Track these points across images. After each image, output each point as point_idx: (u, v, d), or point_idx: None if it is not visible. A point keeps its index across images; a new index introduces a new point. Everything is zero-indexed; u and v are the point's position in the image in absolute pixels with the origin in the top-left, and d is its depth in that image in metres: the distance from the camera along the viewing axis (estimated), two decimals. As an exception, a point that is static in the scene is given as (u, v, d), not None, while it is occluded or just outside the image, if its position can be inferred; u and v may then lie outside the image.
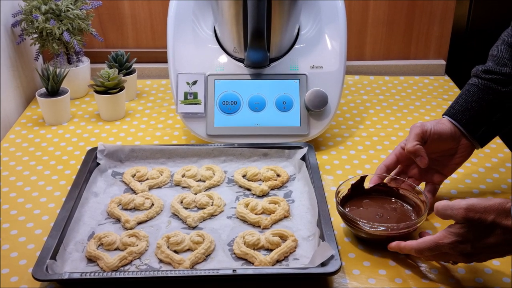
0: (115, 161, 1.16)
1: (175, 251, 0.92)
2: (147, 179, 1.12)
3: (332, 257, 0.85)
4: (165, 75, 1.60)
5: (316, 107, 1.21)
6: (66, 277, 0.84)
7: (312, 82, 1.24)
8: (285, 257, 0.91)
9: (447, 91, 1.52)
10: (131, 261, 0.91)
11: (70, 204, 1.00)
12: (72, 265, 0.90)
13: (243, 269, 0.87)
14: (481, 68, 1.00)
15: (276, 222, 1.00)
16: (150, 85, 1.57)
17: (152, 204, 1.04)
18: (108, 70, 1.34)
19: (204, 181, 1.11)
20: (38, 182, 1.14)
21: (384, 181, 1.02)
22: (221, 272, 0.85)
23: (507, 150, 1.24)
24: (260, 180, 1.12)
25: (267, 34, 1.18)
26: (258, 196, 1.07)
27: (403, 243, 0.89)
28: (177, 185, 1.11)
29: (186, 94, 1.23)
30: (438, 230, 0.99)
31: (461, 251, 0.82)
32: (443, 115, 1.02)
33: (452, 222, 0.83)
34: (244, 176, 1.12)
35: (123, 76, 1.40)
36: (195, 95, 1.23)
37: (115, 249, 0.94)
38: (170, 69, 1.26)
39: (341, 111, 1.41)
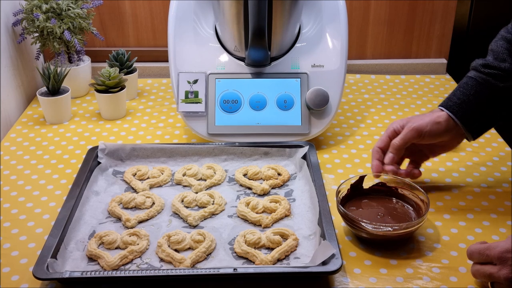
0: (116, 160, 1.16)
1: (176, 250, 0.92)
2: (148, 178, 1.12)
3: (333, 256, 0.85)
4: (166, 74, 1.60)
5: (317, 106, 1.21)
6: (67, 276, 0.84)
7: (313, 81, 1.24)
8: (286, 256, 0.91)
9: (448, 90, 1.52)
10: (132, 260, 0.91)
11: (71, 203, 1.00)
12: (73, 264, 0.90)
13: (244, 268, 0.87)
14: (481, 62, 1.01)
15: (277, 221, 1.00)
16: (151, 84, 1.57)
17: (153, 203, 1.04)
18: (109, 69, 1.34)
19: (205, 180, 1.11)
20: (39, 181, 1.14)
21: (383, 179, 1.03)
22: (222, 271, 0.85)
23: (508, 149, 1.24)
24: (261, 179, 1.12)
25: (268, 33, 1.18)
26: (259, 195, 1.07)
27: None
28: (178, 184, 1.11)
29: (187, 93, 1.23)
30: (439, 229, 0.99)
31: (509, 264, 0.79)
32: (439, 105, 1.03)
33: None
34: (245, 175, 1.12)
35: (124, 75, 1.40)
36: (196, 94, 1.23)
37: (116, 248, 0.94)
38: (171, 68, 1.26)
39: (342, 110, 1.41)
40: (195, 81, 1.24)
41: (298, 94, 1.23)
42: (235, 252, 0.92)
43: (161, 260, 0.91)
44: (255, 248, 0.92)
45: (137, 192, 1.07)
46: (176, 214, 1.02)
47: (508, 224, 1.00)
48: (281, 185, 1.10)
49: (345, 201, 1.00)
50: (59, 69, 1.35)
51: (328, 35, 1.28)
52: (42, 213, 1.04)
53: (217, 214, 1.02)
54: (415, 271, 0.90)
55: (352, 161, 1.20)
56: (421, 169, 1.09)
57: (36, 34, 1.42)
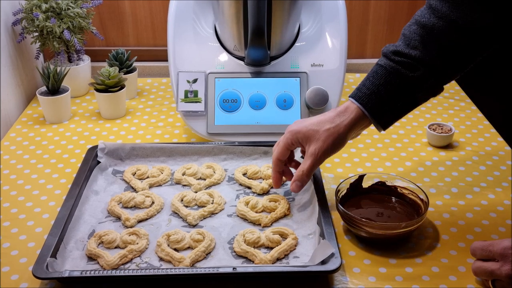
0: (116, 160, 1.16)
1: (176, 249, 0.92)
2: (148, 177, 1.12)
3: (332, 255, 0.85)
4: (166, 73, 1.60)
5: (317, 105, 1.21)
6: (66, 275, 0.84)
7: (312, 80, 1.24)
8: (285, 255, 0.91)
9: (447, 89, 1.52)
10: (131, 259, 0.91)
11: (71, 203, 1.00)
12: (73, 263, 0.90)
13: (243, 267, 0.87)
14: (391, 48, 0.94)
15: (276, 220, 1.00)
16: (150, 83, 1.57)
17: (153, 202, 1.04)
18: (109, 68, 1.34)
19: (205, 179, 1.11)
20: (38, 180, 1.14)
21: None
22: (221, 270, 0.85)
23: (508, 148, 1.24)
24: (261, 178, 1.12)
25: (268, 32, 1.18)
26: (259, 194, 1.07)
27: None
28: (178, 183, 1.11)
29: (186, 92, 1.23)
30: (439, 228, 0.99)
31: (510, 260, 0.79)
32: (349, 96, 0.96)
33: None
34: (244, 174, 1.12)
35: (124, 74, 1.40)
36: (195, 93, 1.23)
37: (116, 247, 0.94)
38: (170, 67, 1.26)
39: (342, 109, 1.41)
40: (195, 81, 1.24)
41: (298, 93, 1.23)
42: (235, 251, 0.92)
43: (161, 259, 0.91)
44: (254, 247, 0.92)
45: (136, 192, 1.07)
46: (176, 213, 1.02)
47: (508, 223, 1.00)
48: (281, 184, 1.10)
49: (344, 200, 1.00)
50: (58, 69, 1.35)
51: (328, 34, 1.28)
52: (42, 212, 1.05)
53: (216, 213, 1.02)
54: (414, 270, 0.90)
55: (351, 160, 1.20)
56: (420, 168, 1.09)
57: (36, 34, 1.42)
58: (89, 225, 0.99)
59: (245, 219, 1.01)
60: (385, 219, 0.97)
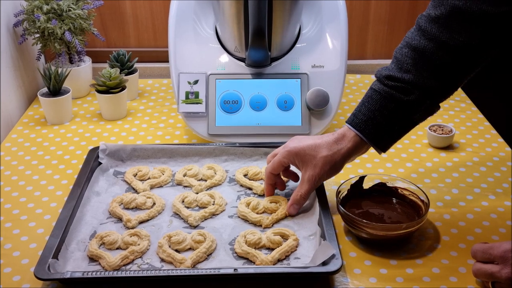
0: (117, 161, 1.16)
1: (177, 250, 0.93)
2: (149, 178, 1.12)
3: (333, 256, 0.85)
4: (167, 74, 1.60)
5: (318, 106, 1.21)
6: (68, 276, 0.84)
7: (313, 81, 1.24)
8: (286, 256, 0.92)
9: (448, 90, 1.52)
10: (133, 260, 0.91)
11: (72, 204, 1.00)
12: (74, 264, 0.90)
13: (244, 268, 0.88)
14: (384, 73, 0.94)
15: (277, 221, 1.00)
16: (151, 84, 1.57)
17: (154, 204, 1.04)
18: (110, 69, 1.35)
19: (206, 181, 1.11)
20: (40, 181, 1.15)
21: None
22: (222, 271, 0.85)
23: (508, 149, 1.24)
24: (262, 179, 1.12)
25: (268, 33, 1.18)
26: (259, 196, 1.07)
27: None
28: (179, 184, 1.11)
29: (187, 93, 1.24)
30: (439, 229, 0.99)
31: (510, 263, 0.80)
32: (346, 122, 0.98)
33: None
34: (245, 175, 1.12)
35: (125, 75, 1.40)
36: (196, 94, 1.24)
37: (117, 248, 0.94)
38: (171, 69, 1.26)
39: (342, 110, 1.41)
40: (196, 82, 1.24)
41: (298, 94, 1.24)
42: (236, 253, 0.92)
43: (162, 260, 0.91)
44: (255, 248, 0.93)
45: (137, 193, 1.08)
46: (177, 214, 1.03)
47: (508, 224, 1.00)
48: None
49: (345, 201, 1.00)
50: (60, 70, 1.35)
51: (328, 35, 1.29)
52: (43, 213, 1.05)
53: (217, 214, 1.03)
54: (415, 271, 0.90)
55: (352, 161, 1.20)
56: (421, 169, 1.09)
57: (37, 35, 1.42)
58: (90, 226, 0.99)
59: (246, 220, 1.01)
60: (386, 220, 0.97)
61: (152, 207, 1.04)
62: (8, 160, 1.22)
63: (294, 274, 0.85)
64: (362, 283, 0.88)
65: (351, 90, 1.52)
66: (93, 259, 0.91)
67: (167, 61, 1.28)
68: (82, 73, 1.47)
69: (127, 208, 1.04)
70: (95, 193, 1.07)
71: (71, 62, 1.48)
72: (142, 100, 1.48)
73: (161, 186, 1.11)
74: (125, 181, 1.12)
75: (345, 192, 1.01)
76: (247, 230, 0.95)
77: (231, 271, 0.85)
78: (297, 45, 1.29)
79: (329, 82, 1.24)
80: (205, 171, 1.13)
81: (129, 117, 1.39)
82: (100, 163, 1.13)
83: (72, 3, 1.41)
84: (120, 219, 1.01)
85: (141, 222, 1.00)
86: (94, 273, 0.85)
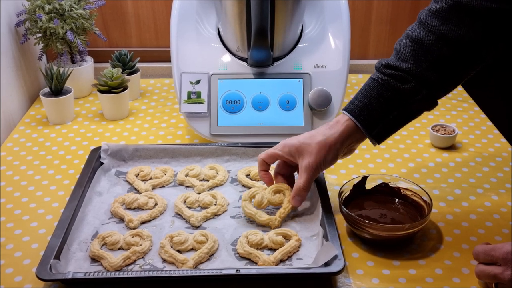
0: (119, 161, 1.16)
1: (179, 251, 0.92)
2: (151, 178, 1.12)
3: (335, 257, 0.85)
4: (169, 74, 1.60)
5: (320, 106, 1.21)
6: (69, 276, 0.84)
7: (315, 81, 1.24)
8: (289, 257, 0.91)
9: (451, 90, 1.51)
10: (135, 260, 0.91)
11: (74, 204, 1.00)
12: (76, 264, 0.90)
13: (246, 269, 0.87)
14: (383, 62, 0.95)
15: (285, 216, 0.99)
16: (153, 84, 1.57)
17: (156, 204, 1.04)
18: (112, 69, 1.34)
19: (208, 181, 1.11)
20: (42, 181, 1.14)
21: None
22: (224, 272, 0.85)
23: (510, 149, 1.24)
24: (264, 179, 1.11)
25: (271, 33, 1.18)
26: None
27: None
28: (181, 184, 1.11)
29: (189, 93, 1.23)
30: (442, 230, 0.99)
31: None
32: (342, 109, 0.97)
33: None
34: (247, 175, 1.12)
35: (127, 75, 1.40)
36: (198, 94, 1.23)
37: (119, 249, 0.94)
38: (173, 69, 1.26)
39: (345, 110, 1.41)
40: (198, 82, 1.24)
41: (301, 94, 1.23)
42: (238, 253, 0.92)
43: (164, 261, 0.91)
44: (257, 249, 0.92)
45: (139, 193, 1.07)
46: (179, 214, 1.02)
47: (511, 224, 1.00)
48: (284, 186, 1.10)
49: (347, 202, 1.00)
50: (62, 70, 1.35)
51: (331, 35, 1.28)
52: (45, 213, 1.05)
53: (219, 214, 1.02)
54: (417, 272, 0.90)
55: (354, 161, 1.20)
56: (423, 169, 1.09)
57: (39, 35, 1.42)
58: (92, 227, 0.99)
59: (252, 220, 1.00)
60: (389, 221, 0.97)
61: (154, 207, 1.04)
62: (10, 160, 1.22)
63: (297, 274, 0.85)
64: (365, 283, 0.88)
65: (353, 90, 1.52)
66: (95, 259, 0.91)
67: (169, 61, 1.28)
68: (84, 73, 1.47)
69: (129, 209, 1.04)
70: (97, 193, 1.07)
71: (73, 62, 1.48)
72: (144, 100, 1.48)
73: (163, 186, 1.11)
74: (127, 181, 1.12)
75: (348, 193, 1.00)
76: (249, 231, 0.95)
77: (233, 271, 0.85)
78: (299, 45, 1.28)
79: (331, 82, 1.24)
80: (207, 171, 1.13)
81: (131, 117, 1.39)
82: (102, 163, 1.13)
83: (74, 3, 1.41)
84: (122, 220, 1.01)
85: (143, 223, 1.00)
86: (96, 273, 0.84)
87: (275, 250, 0.92)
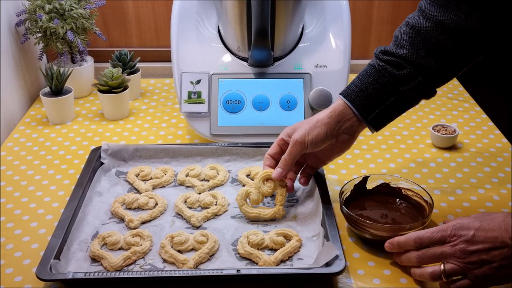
0: (119, 161, 1.16)
1: (179, 251, 0.92)
2: (151, 178, 1.12)
3: (336, 257, 0.85)
4: (169, 74, 1.60)
5: (320, 106, 1.21)
6: (70, 277, 0.83)
7: (316, 81, 1.24)
8: (290, 257, 0.91)
9: (451, 90, 1.51)
10: (135, 260, 0.91)
11: (74, 204, 0.99)
12: (76, 264, 0.90)
13: (247, 269, 0.87)
14: (381, 49, 0.96)
15: (285, 200, 1.01)
16: (154, 84, 1.57)
17: (156, 204, 1.04)
18: (112, 69, 1.34)
19: (208, 181, 1.11)
20: (42, 181, 1.14)
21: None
22: (225, 272, 0.85)
23: (512, 149, 1.24)
24: (264, 179, 1.11)
25: (271, 33, 1.18)
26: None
27: (402, 238, 0.87)
28: (181, 184, 1.11)
29: (190, 93, 1.23)
30: (443, 230, 0.98)
31: (465, 240, 0.80)
32: (339, 93, 0.98)
33: None
34: (248, 175, 1.12)
35: (127, 75, 1.40)
36: (199, 94, 1.23)
37: (119, 249, 0.93)
38: (174, 68, 1.26)
39: (346, 110, 1.40)
40: (198, 81, 1.24)
41: (301, 94, 1.23)
42: (238, 253, 0.92)
43: (164, 261, 0.91)
44: (258, 249, 0.92)
45: (140, 193, 1.07)
46: (179, 214, 1.02)
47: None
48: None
49: (348, 202, 0.99)
50: (62, 69, 1.35)
51: (331, 35, 1.28)
52: (45, 213, 1.04)
53: (220, 215, 1.02)
54: (419, 272, 0.90)
55: (355, 161, 1.20)
56: (424, 169, 1.08)
57: (39, 35, 1.42)
58: (92, 227, 0.99)
59: (258, 220, 1.00)
60: (390, 221, 0.96)
61: (154, 207, 1.03)
62: (10, 160, 1.22)
63: (297, 275, 0.85)
64: (366, 284, 0.88)
65: (354, 90, 1.52)
66: (95, 259, 0.91)
67: (170, 61, 1.28)
68: (84, 72, 1.47)
69: (129, 209, 1.04)
70: (97, 193, 1.07)
71: (73, 61, 1.48)
72: (144, 100, 1.48)
73: (163, 186, 1.10)
74: (127, 181, 1.11)
75: (349, 193, 1.00)
76: (249, 231, 0.95)
77: (234, 272, 0.85)
78: (300, 44, 1.28)
79: (332, 82, 1.24)
80: (208, 171, 1.12)
81: (131, 117, 1.39)
82: (102, 163, 1.13)
83: (74, 3, 1.41)
84: (122, 220, 1.01)
85: (143, 223, 1.00)
86: (96, 273, 0.84)
87: (275, 250, 0.92)
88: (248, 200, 1.01)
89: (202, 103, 1.23)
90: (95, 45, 1.60)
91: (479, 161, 1.19)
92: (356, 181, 1.01)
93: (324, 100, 1.21)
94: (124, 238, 0.94)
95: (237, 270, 0.85)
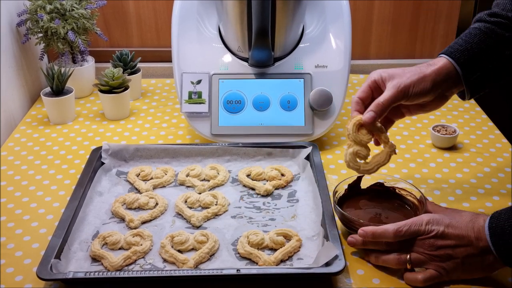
0: (120, 161, 1.16)
1: (179, 251, 0.92)
2: (152, 178, 1.12)
3: (336, 257, 0.85)
4: (170, 74, 1.60)
5: (321, 107, 1.21)
6: (70, 276, 0.84)
7: (316, 81, 1.24)
8: (289, 257, 0.91)
9: (452, 90, 1.51)
10: (135, 260, 0.91)
11: (75, 204, 1.00)
12: (77, 264, 0.90)
13: (247, 268, 0.87)
14: (486, 12, 0.94)
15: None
16: (154, 84, 1.57)
17: (156, 204, 1.04)
18: (113, 69, 1.34)
19: (208, 181, 1.11)
20: (42, 181, 1.14)
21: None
22: (225, 272, 0.85)
23: (512, 149, 1.24)
24: (265, 179, 1.12)
25: (272, 33, 1.18)
26: (263, 196, 1.07)
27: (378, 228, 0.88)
28: (181, 184, 1.11)
29: (190, 93, 1.23)
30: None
31: (434, 235, 0.83)
32: (439, 53, 0.94)
33: None
34: (248, 175, 1.12)
35: (128, 75, 1.40)
36: (199, 94, 1.23)
37: (120, 249, 0.94)
38: (174, 68, 1.26)
39: (346, 111, 1.40)
40: (199, 82, 1.24)
41: (302, 94, 1.23)
42: (238, 253, 0.92)
43: (165, 260, 0.91)
44: (258, 249, 0.92)
45: (140, 193, 1.07)
46: (180, 214, 1.02)
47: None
48: (285, 186, 1.10)
49: (342, 201, 1.00)
50: (63, 70, 1.35)
51: (332, 35, 1.28)
52: (46, 213, 1.05)
53: (220, 214, 1.02)
54: (418, 272, 0.90)
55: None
56: (424, 170, 1.08)
57: (40, 35, 1.42)
58: (93, 226, 0.99)
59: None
60: (383, 220, 0.96)
61: (154, 207, 1.04)
62: (11, 160, 1.22)
63: (297, 275, 0.85)
64: (365, 284, 0.88)
65: (355, 90, 1.52)
66: (95, 259, 0.91)
67: (170, 61, 1.28)
68: (85, 72, 1.47)
69: (130, 208, 1.04)
70: (97, 193, 1.07)
71: (74, 61, 1.48)
72: (145, 100, 1.48)
73: (164, 186, 1.11)
74: (128, 181, 1.12)
75: (343, 192, 1.00)
76: (250, 231, 0.95)
77: (234, 271, 0.85)
78: (300, 45, 1.28)
79: (332, 82, 1.24)
80: (208, 171, 1.13)
81: (132, 117, 1.39)
82: (103, 163, 1.13)
83: (75, 3, 1.41)
84: (122, 219, 1.01)
85: (143, 222, 1.00)
86: (96, 273, 0.85)
87: (275, 250, 0.92)
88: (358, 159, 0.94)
89: (203, 103, 1.23)
90: (96, 45, 1.60)
91: (479, 161, 1.19)
92: (351, 181, 1.01)
93: (325, 100, 1.21)
94: (125, 237, 0.94)
95: (237, 270, 0.85)
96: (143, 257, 0.92)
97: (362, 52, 1.64)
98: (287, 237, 0.95)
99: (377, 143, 0.96)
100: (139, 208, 1.04)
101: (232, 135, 1.22)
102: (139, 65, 1.48)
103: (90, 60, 1.51)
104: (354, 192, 1.01)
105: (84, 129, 1.34)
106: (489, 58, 0.92)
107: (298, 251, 0.93)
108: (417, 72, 0.92)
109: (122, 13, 1.59)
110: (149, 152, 1.17)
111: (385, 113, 0.91)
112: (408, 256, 0.86)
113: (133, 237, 0.95)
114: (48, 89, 1.37)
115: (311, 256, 0.91)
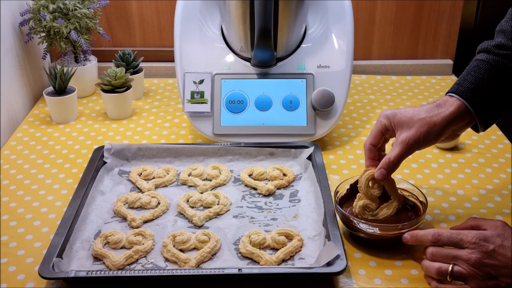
0: (122, 160, 1.16)
1: (181, 250, 0.93)
2: (154, 177, 1.12)
3: (337, 257, 0.85)
4: (172, 74, 1.61)
5: (323, 107, 1.21)
6: (72, 275, 0.84)
7: (318, 81, 1.24)
8: (291, 257, 0.91)
9: (454, 91, 1.51)
10: (137, 259, 0.91)
11: (77, 203, 1.00)
12: (78, 263, 0.90)
13: (248, 268, 0.88)
14: (493, 43, 0.91)
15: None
16: (157, 84, 1.57)
17: (158, 203, 1.04)
18: (115, 69, 1.35)
19: (210, 180, 1.11)
20: (45, 180, 1.15)
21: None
22: (226, 271, 0.85)
23: (514, 150, 1.24)
24: (266, 179, 1.12)
25: (274, 34, 1.18)
26: (264, 195, 1.07)
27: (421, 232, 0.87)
28: (183, 184, 1.11)
29: (192, 93, 1.24)
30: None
31: (484, 251, 0.81)
32: (448, 92, 0.92)
33: None
34: (250, 175, 1.12)
35: (130, 75, 1.40)
36: (201, 94, 1.23)
37: (121, 248, 0.94)
38: (177, 68, 1.26)
39: (348, 111, 1.41)
40: (201, 81, 1.24)
41: (304, 94, 1.23)
42: (240, 253, 0.92)
43: (166, 260, 0.91)
44: (260, 248, 0.92)
45: (142, 192, 1.08)
46: (181, 214, 1.03)
47: (514, 226, 1.00)
48: (286, 186, 1.10)
49: (343, 201, 1.00)
50: (65, 69, 1.36)
51: (334, 36, 1.28)
52: (48, 212, 1.05)
53: (222, 214, 1.02)
54: (420, 272, 0.90)
55: (357, 162, 1.20)
56: (426, 170, 1.08)
57: (43, 34, 1.42)
58: (95, 226, 0.99)
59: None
60: (384, 220, 0.96)
61: (156, 206, 1.04)
62: (13, 159, 1.22)
63: (299, 274, 0.85)
64: (367, 284, 0.88)
65: (357, 91, 1.52)
66: (97, 258, 0.91)
67: (173, 61, 1.28)
68: (87, 72, 1.48)
69: (132, 208, 1.04)
70: (100, 192, 1.07)
71: (76, 61, 1.48)
72: (148, 100, 1.48)
73: (165, 186, 1.11)
74: (130, 180, 1.12)
75: (344, 192, 1.00)
76: (251, 230, 0.95)
77: (235, 271, 0.85)
78: (302, 45, 1.28)
79: (334, 82, 1.24)
80: (210, 171, 1.13)
81: (134, 117, 1.40)
82: (105, 162, 1.13)
83: (78, 2, 1.41)
84: (124, 219, 1.01)
85: (145, 222, 1.01)
86: (98, 272, 0.85)
87: (277, 249, 0.92)
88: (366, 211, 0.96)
89: (205, 103, 1.23)
90: (99, 44, 1.60)
91: (480, 162, 1.19)
92: (352, 181, 1.01)
93: (327, 101, 1.21)
94: (127, 237, 0.95)
95: (239, 269, 0.85)
96: (145, 257, 0.92)
97: (364, 53, 1.64)
98: (289, 237, 0.95)
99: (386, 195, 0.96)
100: (141, 207, 1.04)
101: (234, 135, 1.22)
102: (142, 64, 1.48)
103: (93, 59, 1.51)
104: (355, 192, 1.01)
105: (87, 128, 1.35)
106: (501, 93, 0.89)
107: (300, 251, 0.93)
108: (426, 121, 0.89)
109: (125, 13, 1.59)
110: (151, 152, 1.17)
111: (396, 169, 0.91)
112: (451, 268, 0.83)
113: (135, 236, 0.95)
114: (50, 89, 1.37)
115: (312, 256, 0.91)
